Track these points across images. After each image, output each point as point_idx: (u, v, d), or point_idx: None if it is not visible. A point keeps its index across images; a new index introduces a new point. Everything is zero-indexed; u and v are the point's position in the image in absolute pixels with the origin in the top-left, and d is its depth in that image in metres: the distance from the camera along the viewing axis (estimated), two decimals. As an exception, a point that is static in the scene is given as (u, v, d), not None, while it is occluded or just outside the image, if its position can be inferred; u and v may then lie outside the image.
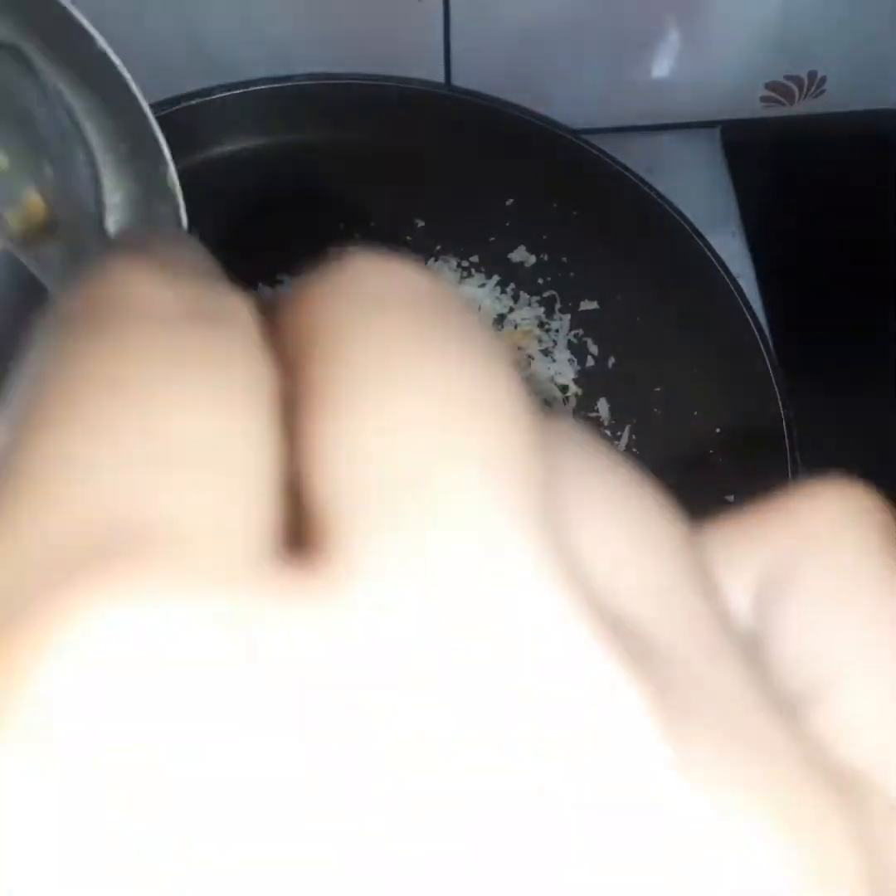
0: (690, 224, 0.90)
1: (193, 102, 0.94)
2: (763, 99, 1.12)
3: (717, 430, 0.85)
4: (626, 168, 0.93)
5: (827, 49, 1.07)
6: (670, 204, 0.91)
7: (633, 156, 0.96)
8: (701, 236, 0.90)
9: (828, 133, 1.14)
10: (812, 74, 1.08)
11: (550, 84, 1.04)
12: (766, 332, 0.86)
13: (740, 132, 1.13)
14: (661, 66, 1.07)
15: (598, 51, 1.03)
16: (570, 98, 1.06)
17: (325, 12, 0.94)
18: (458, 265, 0.92)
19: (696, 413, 0.86)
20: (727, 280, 0.87)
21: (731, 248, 1.01)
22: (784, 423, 0.81)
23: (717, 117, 1.13)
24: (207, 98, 0.95)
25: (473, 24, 0.97)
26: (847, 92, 1.11)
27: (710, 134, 1.13)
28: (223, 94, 0.95)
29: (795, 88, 1.11)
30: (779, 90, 1.12)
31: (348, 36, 0.97)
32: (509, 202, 0.95)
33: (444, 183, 0.96)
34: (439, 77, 1.01)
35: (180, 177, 0.95)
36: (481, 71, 1.01)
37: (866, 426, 0.92)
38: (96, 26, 0.92)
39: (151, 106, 0.94)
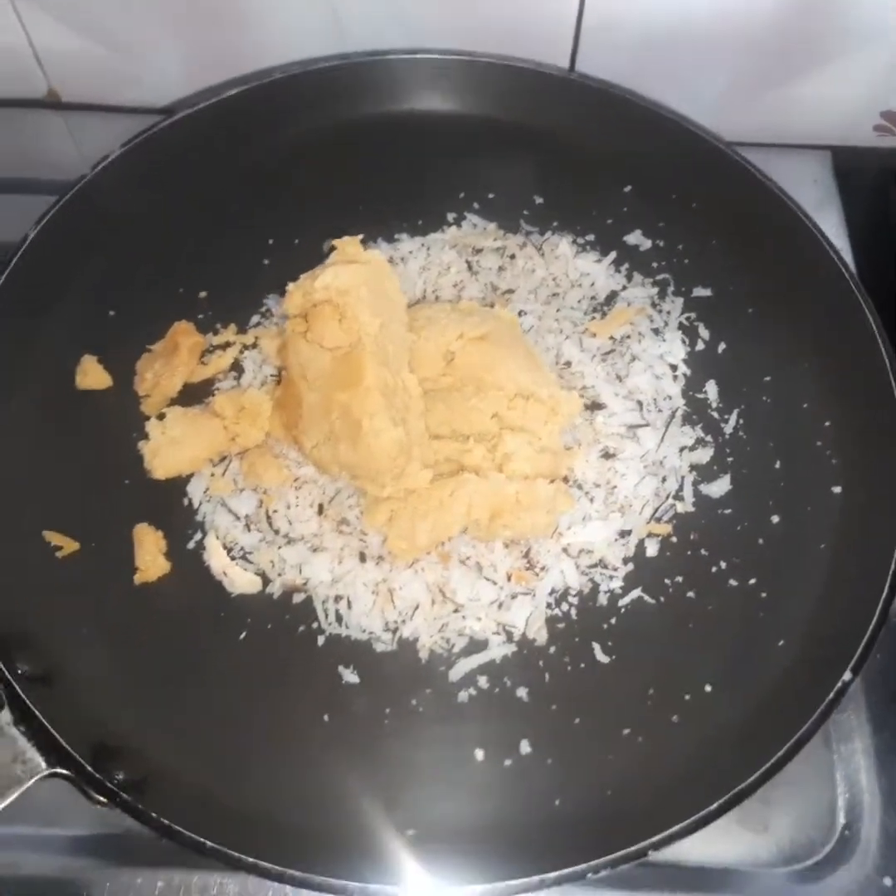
0: (812, 221, 0.90)
1: (333, 63, 0.96)
2: (877, 127, 1.13)
3: (827, 424, 0.84)
4: (750, 163, 0.94)
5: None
6: (793, 200, 0.92)
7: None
8: (822, 233, 0.89)
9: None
10: (930, 105, 1.09)
11: (667, 87, 1.05)
12: (884, 333, 0.85)
13: (852, 158, 1.14)
14: (780, 84, 1.08)
15: (720, 61, 1.04)
16: (684, 104, 1.07)
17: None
18: (574, 241, 0.92)
19: (805, 405, 0.85)
20: (848, 278, 0.87)
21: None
22: (899, 422, 0.80)
23: (830, 142, 1.14)
24: (343, 62, 0.97)
25: (604, 19, 0.99)
26: (962, 126, 1.12)
27: (822, 156, 1.14)
28: (360, 60, 0.97)
29: (910, 119, 1.12)
30: (893, 120, 1.13)
31: (484, 16, 0.99)
32: (628, 189, 0.96)
33: (566, 164, 0.97)
34: (564, 63, 1.03)
35: (314, 139, 0.98)
36: (603, 65, 1.03)
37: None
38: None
39: (293, 63, 0.97)
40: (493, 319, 0.79)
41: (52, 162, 1.09)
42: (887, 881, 0.75)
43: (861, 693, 0.80)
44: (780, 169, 1.09)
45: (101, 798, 0.63)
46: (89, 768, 0.63)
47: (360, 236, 0.75)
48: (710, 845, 0.74)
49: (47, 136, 1.12)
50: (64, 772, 0.64)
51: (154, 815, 0.63)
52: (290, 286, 0.74)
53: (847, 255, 1.03)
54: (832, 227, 1.06)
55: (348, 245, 0.72)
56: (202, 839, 0.63)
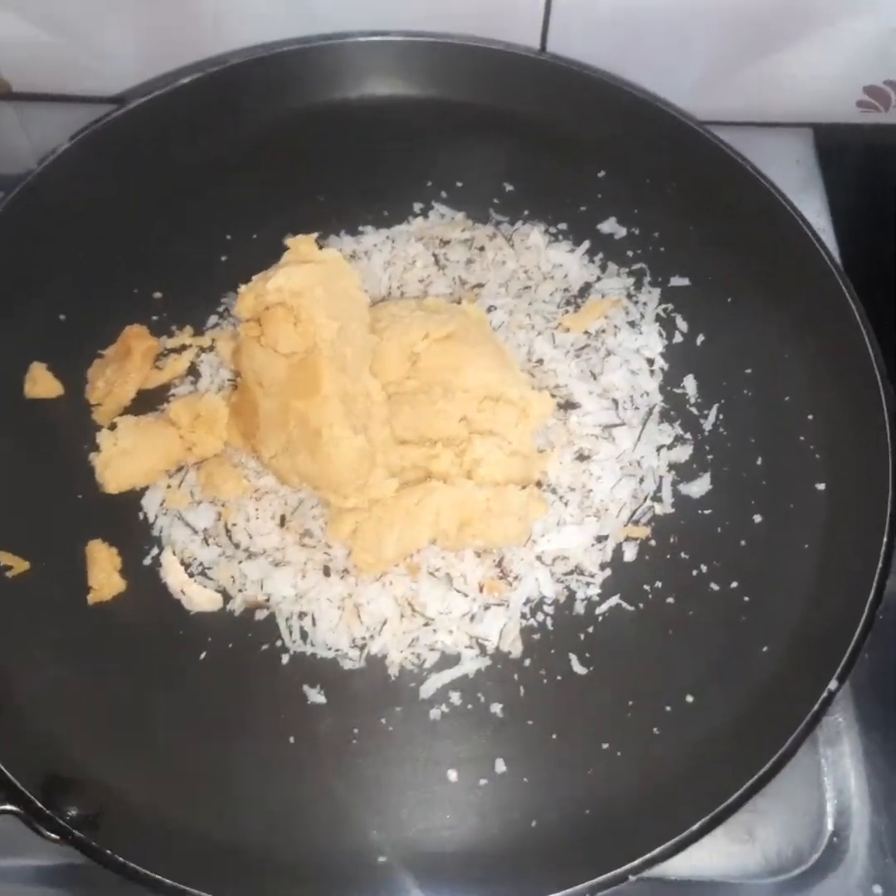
0: (789, 201, 0.87)
1: (293, 47, 0.92)
2: (860, 103, 1.10)
3: (810, 417, 0.80)
4: (724, 143, 0.90)
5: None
6: (768, 180, 0.88)
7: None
8: (799, 213, 0.86)
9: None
10: (912, 80, 1.06)
11: (642, 66, 1.01)
12: (868, 321, 0.82)
13: (834, 135, 1.10)
14: (760, 59, 1.04)
15: (698, 38, 1.00)
16: (661, 85, 1.03)
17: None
18: (546, 231, 0.89)
19: (787, 398, 0.81)
20: (828, 262, 0.83)
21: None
22: (886, 415, 0.76)
23: (812, 119, 1.10)
24: (303, 46, 0.93)
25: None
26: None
27: (805, 135, 1.10)
28: (321, 44, 0.93)
29: (893, 93, 1.08)
30: (876, 95, 1.09)
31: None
32: (601, 174, 0.92)
33: (537, 149, 0.93)
34: (534, 44, 0.98)
35: (272, 128, 0.93)
36: (575, 45, 0.98)
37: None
38: None
39: (252, 48, 0.93)
40: (460, 316, 0.75)
41: (3, 155, 1.05)
42: (877, 889, 0.72)
43: (850, 693, 0.77)
44: (761, 148, 1.05)
45: (53, 835, 0.60)
46: (39, 804, 0.60)
47: (315, 235, 0.71)
48: (694, 857, 0.71)
49: (-1, 128, 1.07)
50: (12, 808, 0.60)
51: (108, 851, 0.60)
52: (242, 288, 0.70)
53: (830, 236, 1.00)
54: (815, 207, 1.02)
55: (302, 244, 0.69)
56: (160, 876, 0.60)
